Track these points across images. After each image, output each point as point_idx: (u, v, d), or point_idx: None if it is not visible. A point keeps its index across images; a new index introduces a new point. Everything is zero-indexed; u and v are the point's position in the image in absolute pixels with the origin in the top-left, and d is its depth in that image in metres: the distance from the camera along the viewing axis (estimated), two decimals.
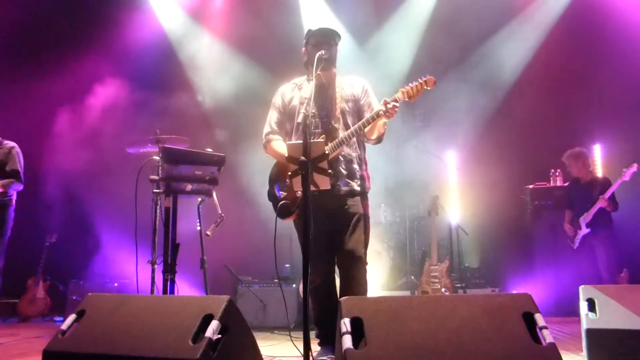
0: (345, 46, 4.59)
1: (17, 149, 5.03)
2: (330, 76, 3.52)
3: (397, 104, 3.18)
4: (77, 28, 6.99)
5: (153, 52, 7.14)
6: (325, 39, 3.43)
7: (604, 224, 5.62)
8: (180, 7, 7.42)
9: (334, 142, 3.26)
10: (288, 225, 3.59)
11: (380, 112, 3.18)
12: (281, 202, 3.31)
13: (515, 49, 7.04)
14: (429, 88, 3.22)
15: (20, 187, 4.95)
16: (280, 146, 3.46)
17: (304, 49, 3.54)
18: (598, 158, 6.78)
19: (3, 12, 6.57)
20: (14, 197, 4.94)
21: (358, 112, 3.51)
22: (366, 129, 3.32)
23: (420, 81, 3.21)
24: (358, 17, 7.16)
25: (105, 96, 6.81)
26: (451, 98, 6.72)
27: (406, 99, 3.22)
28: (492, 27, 7.09)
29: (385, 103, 3.18)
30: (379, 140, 3.50)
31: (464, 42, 7.10)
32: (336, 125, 3.37)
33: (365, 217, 3.45)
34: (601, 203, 5.53)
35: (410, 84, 3.23)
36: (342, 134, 3.31)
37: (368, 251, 3.49)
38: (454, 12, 7.02)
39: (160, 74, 7.08)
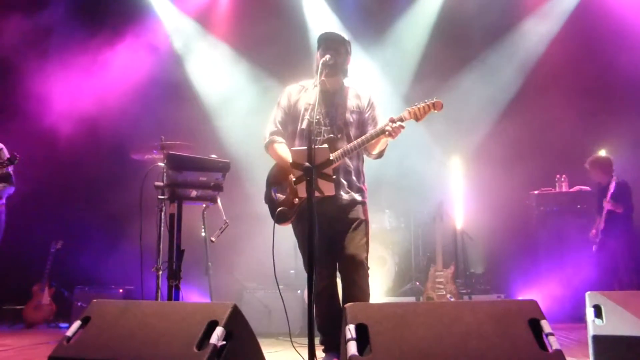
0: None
1: (5, 149, 4.95)
2: (336, 83, 3.49)
3: (403, 124, 3.18)
4: (79, 32, 7.03)
5: (157, 57, 7.17)
6: (331, 44, 3.38)
7: (620, 227, 5.72)
8: (185, 13, 7.46)
9: (337, 153, 3.25)
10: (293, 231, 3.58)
11: (385, 130, 3.18)
12: (279, 209, 3.30)
13: (520, 55, 7.04)
14: (436, 111, 3.21)
15: (13, 190, 4.84)
16: (283, 150, 3.44)
17: (317, 55, 3.47)
18: None
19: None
20: (3, 201, 4.85)
21: (361, 125, 3.49)
22: (368, 144, 3.32)
23: (428, 102, 3.20)
24: (361, 21, 7.18)
25: (109, 102, 6.84)
26: (456, 103, 6.71)
27: (412, 119, 3.21)
28: (497, 31, 7.09)
29: (391, 121, 3.17)
30: (380, 155, 3.49)
31: (468, 47, 7.10)
32: (339, 135, 3.36)
33: (365, 222, 3.44)
34: (606, 206, 5.70)
35: (416, 104, 3.21)
36: (344, 145, 3.30)
37: (373, 257, 3.48)
38: (459, 17, 7.02)
39: (164, 79, 7.11)
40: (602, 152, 6.31)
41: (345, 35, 3.49)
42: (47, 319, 6.44)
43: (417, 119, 3.21)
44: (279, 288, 3.27)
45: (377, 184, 3.82)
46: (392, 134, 3.17)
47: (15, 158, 4.40)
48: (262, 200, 3.51)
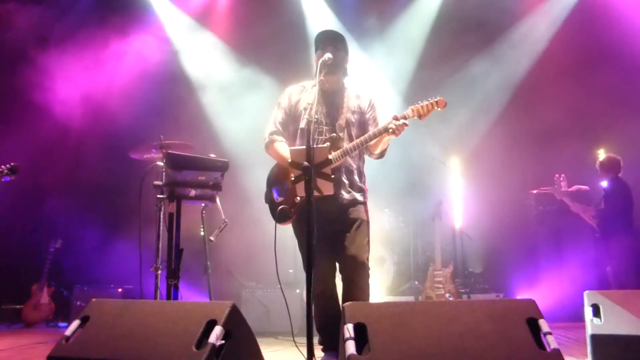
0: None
1: None
2: (335, 82, 3.48)
3: (407, 122, 3.17)
4: (78, 31, 7.02)
5: (156, 56, 7.16)
6: (330, 41, 3.38)
7: (618, 226, 5.71)
8: (185, 12, 7.45)
9: (338, 151, 3.25)
10: (292, 230, 3.59)
11: (389, 128, 3.17)
12: (280, 207, 3.29)
13: (519, 54, 7.04)
14: (439, 109, 3.20)
15: None
16: (283, 148, 3.43)
17: (315, 56, 3.47)
18: None
19: None
20: None
21: (362, 125, 3.49)
22: (371, 142, 3.31)
23: (431, 100, 3.20)
24: (360, 20, 7.18)
25: (108, 101, 6.84)
26: (455, 103, 6.70)
27: (415, 117, 3.21)
28: (497, 30, 7.09)
29: (395, 119, 3.17)
30: (381, 155, 3.49)
31: (468, 46, 7.10)
32: (340, 134, 3.36)
33: (366, 223, 3.44)
34: (573, 210, 5.86)
35: (420, 103, 3.21)
36: (346, 144, 3.29)
37: (372, 256, 3.48)
38: (459, 16, 7.02)
39: (163, 79, 7.10)
40: (601, 152, 6.33)
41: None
42: (46, 318, 6.44)
43: (420, 116, 3.21)
44: (281, 287, 3.27)
45: (376, 183, 3.83)
46: (396, 131, 3.16)
47: (17, 169, 4.40)
48: (262, 200, 3.50)
